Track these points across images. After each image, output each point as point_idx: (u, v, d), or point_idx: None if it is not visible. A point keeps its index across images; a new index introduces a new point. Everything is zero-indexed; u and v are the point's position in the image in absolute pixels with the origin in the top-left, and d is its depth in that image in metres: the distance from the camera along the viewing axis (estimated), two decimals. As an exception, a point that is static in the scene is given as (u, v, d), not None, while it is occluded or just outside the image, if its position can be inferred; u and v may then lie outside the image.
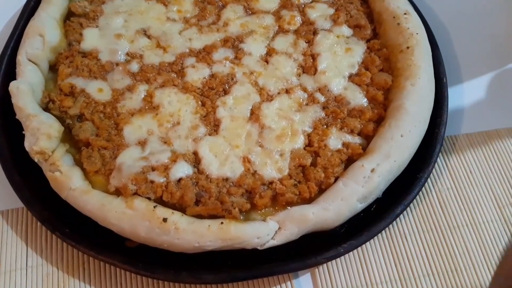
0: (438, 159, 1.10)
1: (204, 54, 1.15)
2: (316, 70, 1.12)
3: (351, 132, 1.03)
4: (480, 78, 1.25)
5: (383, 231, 0.98)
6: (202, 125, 1.04)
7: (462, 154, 1.13)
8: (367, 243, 0.96)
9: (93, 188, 0.95)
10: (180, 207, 0.93)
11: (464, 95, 1.22)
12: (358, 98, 1.07)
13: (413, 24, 1.13)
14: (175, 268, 0.89)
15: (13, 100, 1.01)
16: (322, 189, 0.97)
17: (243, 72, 1.12)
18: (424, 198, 1.07)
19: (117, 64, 1.12)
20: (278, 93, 1.09)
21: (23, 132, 0.99)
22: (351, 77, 1.11)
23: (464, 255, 1.00)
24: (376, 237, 0.96)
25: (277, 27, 1.21)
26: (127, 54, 1.14)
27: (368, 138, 1.03)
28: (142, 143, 1.01)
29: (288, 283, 0.97)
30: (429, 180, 1.08)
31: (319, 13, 1.22)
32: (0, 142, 1.02)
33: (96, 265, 0.97)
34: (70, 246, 0.95)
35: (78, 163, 0.99)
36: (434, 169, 1.08)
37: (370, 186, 0.93)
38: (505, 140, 1.15)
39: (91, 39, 1.15)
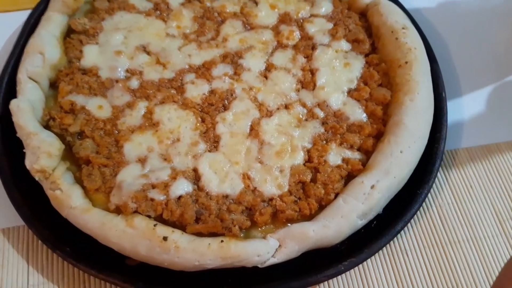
0: (438, 174, 1.10)
1: (203, 70, 1.15)
2: (315, 85, 1.12)
3: (351, 147, 1.03)
4: (479, 91, 1.25)
5: (384, 248, 0.97)
6: (201, 142, 1.04)
7: (462, 168, 1.13)
8: (368, 260, 0.96)
9: (93, 206, 0.95)
10: (180, 225, 0.93)
11: (464, 108, 1.21)
12: (357, 113, 1.07)
13: (411, 39, 1.13)
14: (175, 286, 0.89)
15: (14, 118, 1.02)
16: (322, 206, 0.97)
17: (243, 87, 1.12)
18: (425, 213, 1.06)
19: (117, 81, 1.13)
20: (278, 108, 1.09)
21: (24, 150, 0.99)
22: (350, 92, 1.11)
23: (465, 270, 1.00)
24: (376, 253, 0.95)
25: (276, 42, 1.21)
26: (127, 70, 1.15)
27: (367, 153, 1.03)
28: (142, 160, 1.01)
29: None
30: (429, 195, 1.08)
31: (318, 28, 1.22)
32: (1, 160, 1.02)
33: (97, 284, 0.97)
34: (71, 265, 0.95)
35: (79, 181, 0.99)
36: (434, 184, 1.08)
37: (370, 203, 0.93)
38: (505, 154, 1.15)
39: (91, 56, 1.16)
